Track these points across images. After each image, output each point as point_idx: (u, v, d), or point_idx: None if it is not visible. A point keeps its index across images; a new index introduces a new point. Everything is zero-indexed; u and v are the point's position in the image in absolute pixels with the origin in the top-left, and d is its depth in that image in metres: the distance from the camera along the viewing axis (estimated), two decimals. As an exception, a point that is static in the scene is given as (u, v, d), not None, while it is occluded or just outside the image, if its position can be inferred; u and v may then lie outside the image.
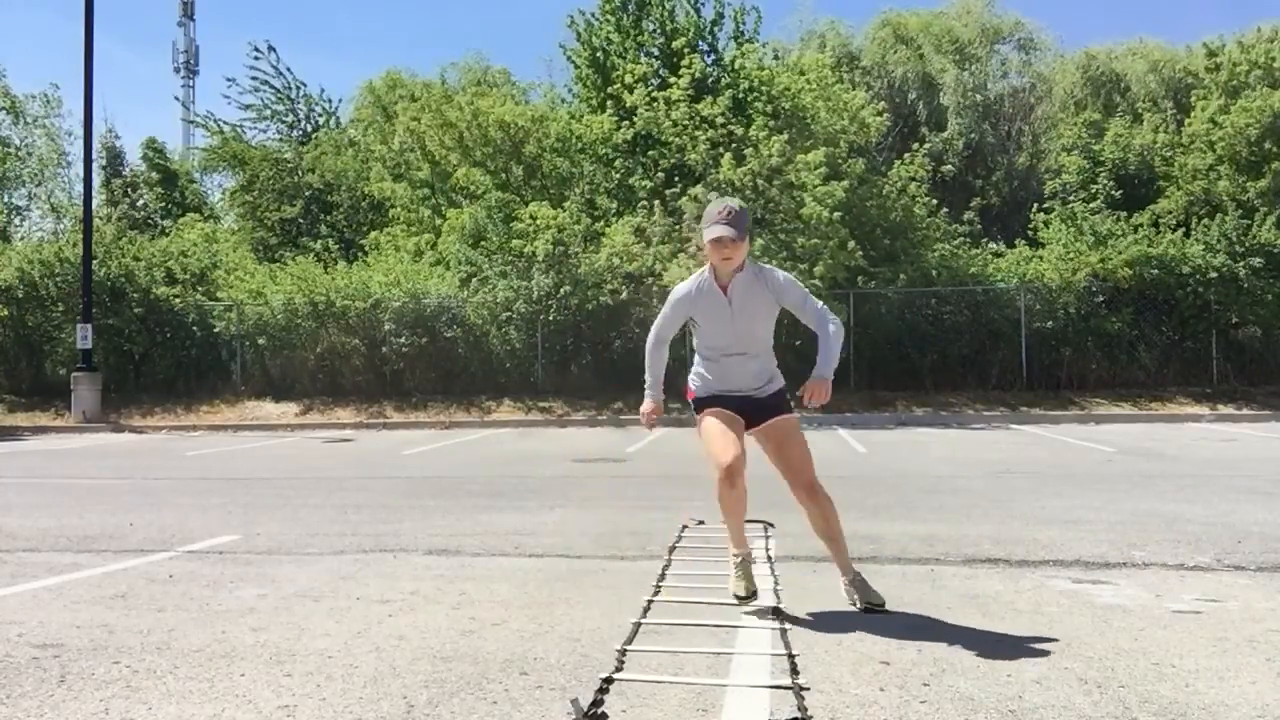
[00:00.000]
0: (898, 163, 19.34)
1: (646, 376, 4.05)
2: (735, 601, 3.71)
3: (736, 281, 3.77)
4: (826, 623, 3.55)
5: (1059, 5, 54.15)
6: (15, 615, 3.81)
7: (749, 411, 3.86)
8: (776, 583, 4.16)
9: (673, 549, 4.97)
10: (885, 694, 2.78)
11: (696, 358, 3.96)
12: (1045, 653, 3.15)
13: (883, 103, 21.55)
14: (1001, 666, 3.02)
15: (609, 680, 2.88)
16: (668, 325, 3.99)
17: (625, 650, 3.19)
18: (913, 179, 18.85)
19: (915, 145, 20.09)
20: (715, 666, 3.04)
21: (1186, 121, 21.24)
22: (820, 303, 3.91)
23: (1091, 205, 19.45)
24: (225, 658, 3.19)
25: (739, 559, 3.79)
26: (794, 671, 2.96)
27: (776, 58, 20.36)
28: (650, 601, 3.86)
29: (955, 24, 27.38)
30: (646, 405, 4.03)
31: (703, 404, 3.91)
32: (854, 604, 3.74)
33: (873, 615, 3.65)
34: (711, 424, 3.81)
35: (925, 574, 4.36)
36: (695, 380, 3.97)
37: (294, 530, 5.77)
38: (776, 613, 3.67)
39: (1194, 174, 20.00)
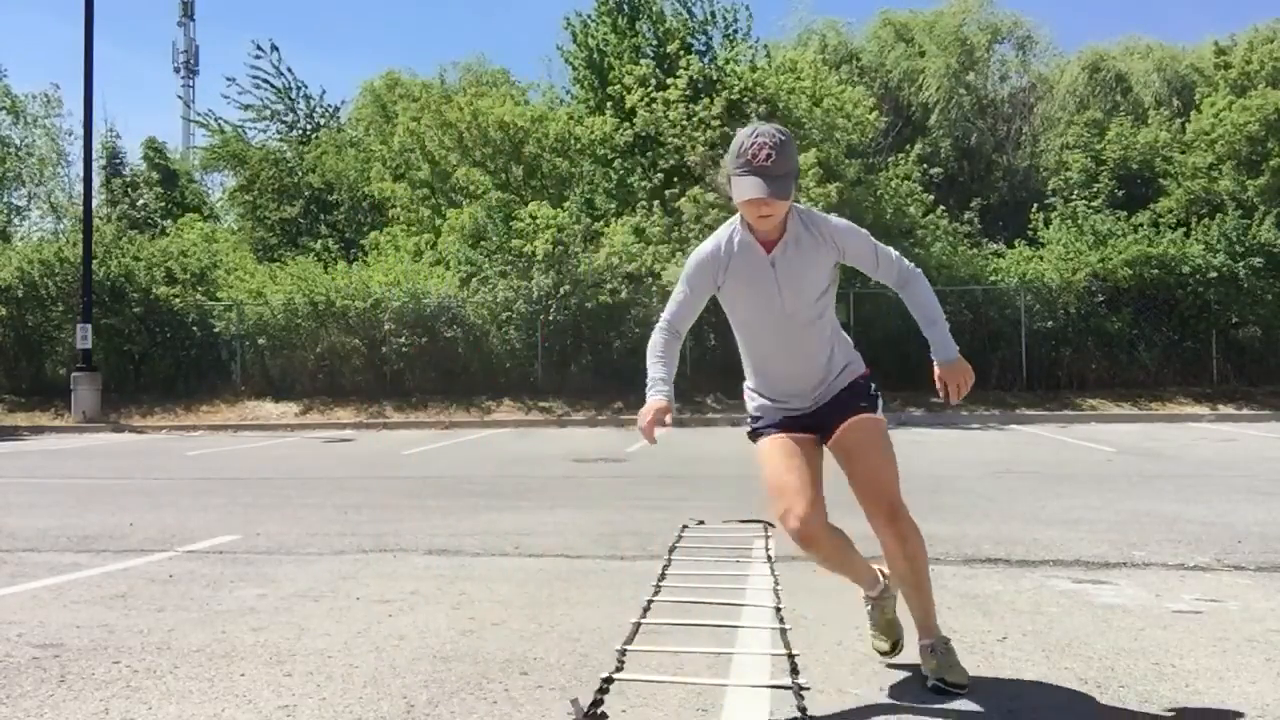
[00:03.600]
0: (890, 161, 19.34)
1: (652, 370, 2.84)
2: (879, 654, 3.04)
3: (784, 238, 2.73)
4: (826, 623, 3.55)
5: (1057, 4, 54.19)
6: (15, 615, 3.81)
7: (820, 421, 2.87)
8: (776, 583, 4.16)
9: (673, 549, 4.97)
10: (885, 694, 2.78)
11: (744, 358, 2.96)
12: (1045, 653, 3.15)
13: (881, 102, 21.54)
14: (1001, 666, 3.01)
15: (609, 680, 2.88)
16: (687, 306, 2.86)
17: (625, 650, 3.18)
18: (907, 178, 18.84)
19: (908, 146, 20.07)
20: (715, 666, 3.04)
21: (1193, 117, 21.24)
22: (897, 254, 2.89)
23: (1094, 204, 19.46)
24: (225, 658, 3.19)
25: (869, 602, 3.05)
26: (794, 671, 2.95)
27: (768, 56, 20.35)
28: (650, 601, 3.86)
29: (954, 23, 27.37)
30: (653, 402, 2.76)
31: (758, 427, 2.92)
32: (926, 672, 2.84)
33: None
34: (771, 459, 2.83)
35: (925, 574, 4.36)
36: (750, 394, 2.98)
37: (294, 530, 5.77)
38: (776, 613, 3.67)
39: (1194, 172, 20.01)
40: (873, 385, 2.92)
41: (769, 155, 2.58)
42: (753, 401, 2.94)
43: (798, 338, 2.80)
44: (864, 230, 2.86)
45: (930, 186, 20.39)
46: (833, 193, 16.31)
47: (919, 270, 2.90)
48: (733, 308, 2.86)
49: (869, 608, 3.03)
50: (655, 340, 2.90)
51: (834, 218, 2.84)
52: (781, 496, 2.77)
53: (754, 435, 2.93)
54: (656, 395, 2.78)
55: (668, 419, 2.76)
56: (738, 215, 2.78)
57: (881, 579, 3.00)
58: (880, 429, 2.86)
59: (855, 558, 2.93)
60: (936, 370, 2.90)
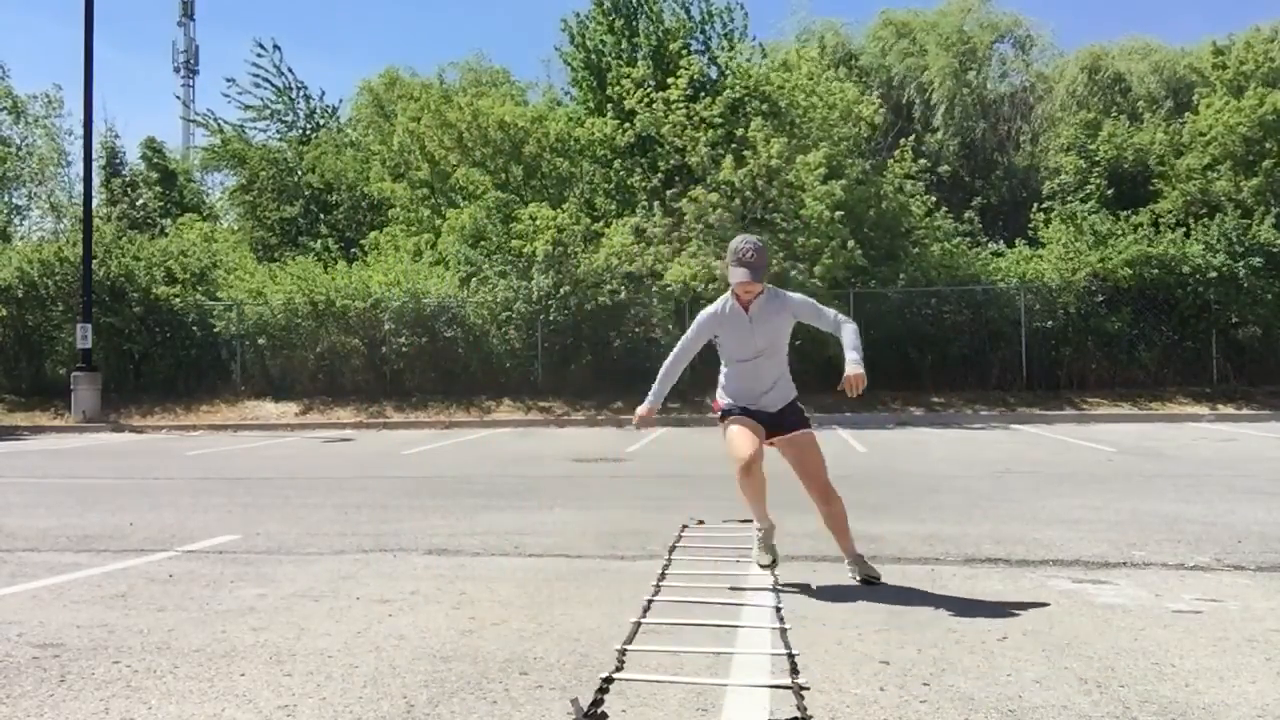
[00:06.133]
0: (890, 160, 19.31)
1: (655, 385, 4.44)
2: (761, 569, 4.33)
3: (756, 303, 4.31)
4: (826, 623, 3.55)
5: (1057, 4, 54.11)
6: (15, 615, 3.81)
7: (768, 424, 4.30)
8: (776, 582, 4.17)
9: (673, 549, 4.98)
10: (885, 694, 2.78)
11: (721, 373, 4.41)
12: (1045, 653, 3.15)
13: (880, 102, 21.51)
14: (1001, 666, 3.02)
15: (609, 680, 2.88)
16: (692, 343, 4.44)
17: (625, 650, 3.19)
18: (909, 177, 18.82)
19: (903, 141, 19.98)
20: (715, 666, 3.04)
21: (1191, 119, 21.23)
22: (834, 310, 4.46)
23: (1088, 205, 19.44)
24: (225, 657, 3.19)
25: (761, 532, 4.35)
26: (794, 671, 2.96)
27: (764, 55, 20.31)
28: (650, 601, 3.86)
29: (955, 22, 27.34)
30: (643, 407, 4.41)
31: (727, 414, 4.37)
32: (853, 577, 4.24)
33: (872, 615, 3.65)
34: (734, 429, 4.29)
35: (925, 574, 4.36)
36: (721, 394, 4.44)
37: (294, 530, 5.77)
38: (776, 613, 3.67)
39: (1189, 173, 20.00)
40: (801, 407, 4.41)
41: (752, 255, 4.19)
42: (724, 400, 4.43)
43: (762, 366, 4.34)
44: (811, 299, 4.44)
45: (933, 185, 20.35)
46: (836, 189, 16.30)
47: (849, 320, 4.42)
48: (724, 345, 4.38)
49: (759, 537, 4.37)
50: (669, 358, 4.51)
51: (794, 294, 4.42)
52: (740, 446, 4.19)
53: (724, 418, 4.39)
54: (648, 402, 4.46)
55: (647, 423, 4.45)
56: (729, 292, 4.36)
57: (770, 522, 4.35)
58: (815, 439, 4.36)
59: (763, 500, 4.26)
60: (845, 374, 4.22)
